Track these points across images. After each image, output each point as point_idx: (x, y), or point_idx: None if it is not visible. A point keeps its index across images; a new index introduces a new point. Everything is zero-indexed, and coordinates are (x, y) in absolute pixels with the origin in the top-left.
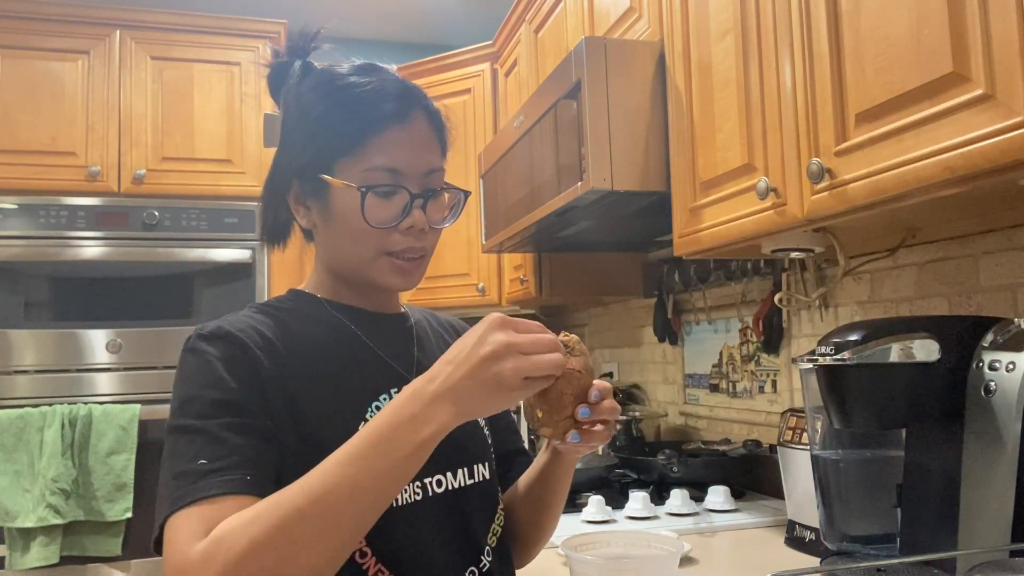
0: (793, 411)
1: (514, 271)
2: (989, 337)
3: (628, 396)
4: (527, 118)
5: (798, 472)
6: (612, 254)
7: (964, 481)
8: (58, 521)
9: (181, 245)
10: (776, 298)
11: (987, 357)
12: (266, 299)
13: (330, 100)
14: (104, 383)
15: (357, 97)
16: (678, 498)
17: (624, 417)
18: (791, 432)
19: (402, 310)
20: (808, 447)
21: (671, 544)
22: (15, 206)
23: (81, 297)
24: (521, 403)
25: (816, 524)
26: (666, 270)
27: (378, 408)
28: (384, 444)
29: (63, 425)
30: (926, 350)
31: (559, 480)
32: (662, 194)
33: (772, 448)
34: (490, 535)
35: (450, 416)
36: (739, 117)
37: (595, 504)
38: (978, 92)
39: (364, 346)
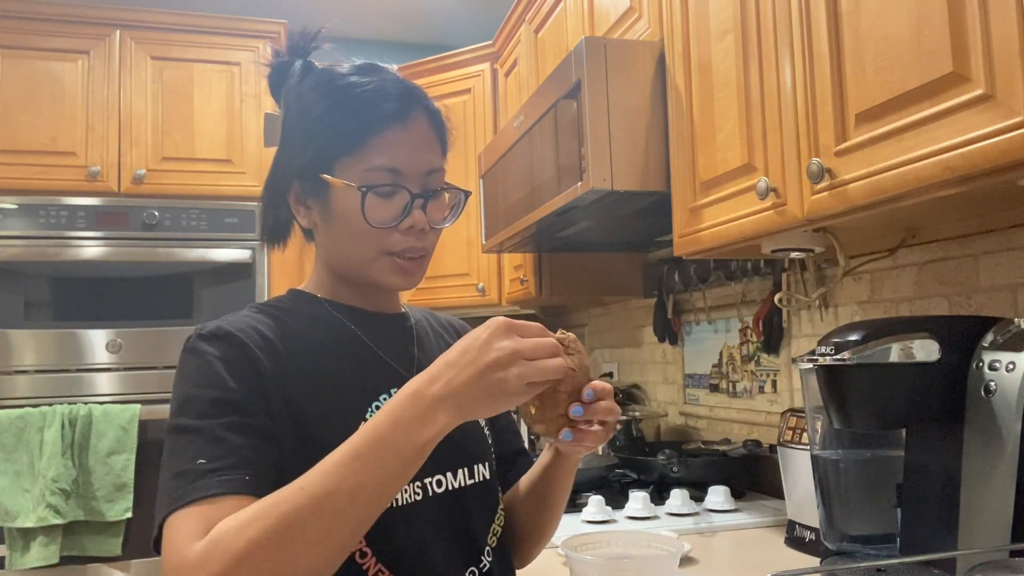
0: (793, 411)
1: (514, 271)
2: (989, 337)
3: (628, 396)
4: (527, 118)
5: (798, 472)
6: (612, 254)
7: (964, 481)
8: (58, 521)
9: (181, 245)
10: (776, 298)
11: (987, 357)
12: (266, 299)
13: (331, 100)
14: (104, 383)
15: (358, 97)
16: (678, 498)
17: (624, 417)
18: (791, 432)
19: (402, 310)
20: (808, 447)
21: (671, 544)
22: (15, 206)
23: (81, 297)
24: None
25: (816, 524)
26: (666, 270)
27: (378, 408)
28: (384, 445)
29: (63, 425)
30: (926, 350)
31: (560, 480)
32: (662, 194)
33: (772, 448)
34: (490, 535)
35: (451, 418)
36: (739, 117)
37: (595, 504)
38: (978, 92)
39: (364, 346)
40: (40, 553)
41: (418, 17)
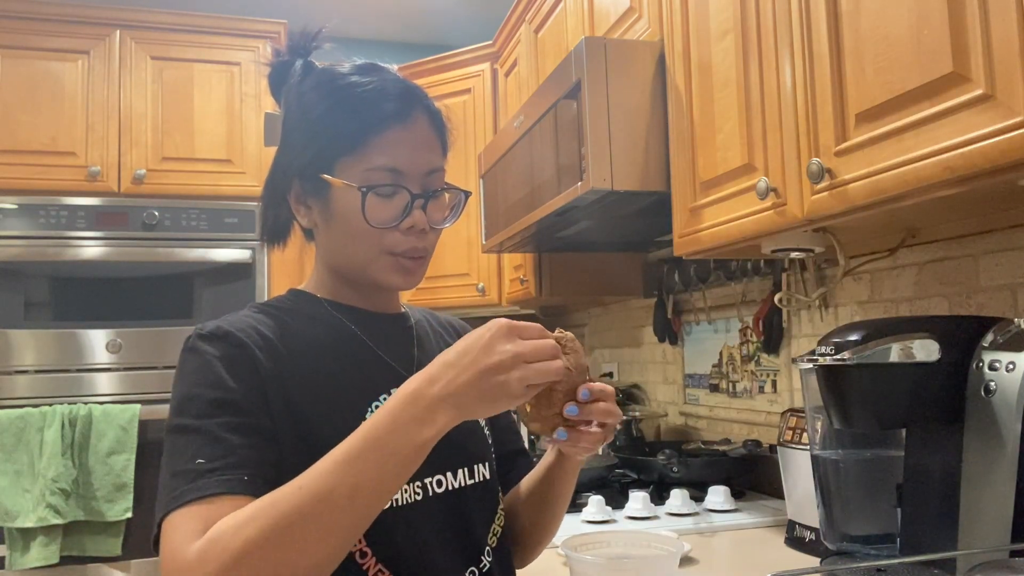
0: (793, 411)
1: (514, 271)
2: (989, 337)
3: (628, 396)
4: (527, 118)
5: (798, 472)
6: (612, 254)
7: (964, 481)
8: (58, 521)
9: (181, 245)
10: (776, 298)
11: (987, 357)
12: (266, 299)
13: (331, 99)
14: (104, 383)
15: (358, 97)
16: (678, 498)
17: (624, 417)
18: (791, 432)
19: (402, 310)
20: (808, 447)
21: (671, 544)
22: (15, 206)
23: (81, 297)
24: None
25: (816, 524)
26: (666, 270)
27: (377, 408)
28: (383, 445)
29: (63, 425)
30: (926, 350)
31: (563, 481)
32: (662, 194)
33: (772, 448)
34: (490, 535)
35: (450, 419)
36: (739, 117)
37: (595, 504)
38: (978, 92)
39: (364, 346)
40: (40, 553)
41: (418, 17)
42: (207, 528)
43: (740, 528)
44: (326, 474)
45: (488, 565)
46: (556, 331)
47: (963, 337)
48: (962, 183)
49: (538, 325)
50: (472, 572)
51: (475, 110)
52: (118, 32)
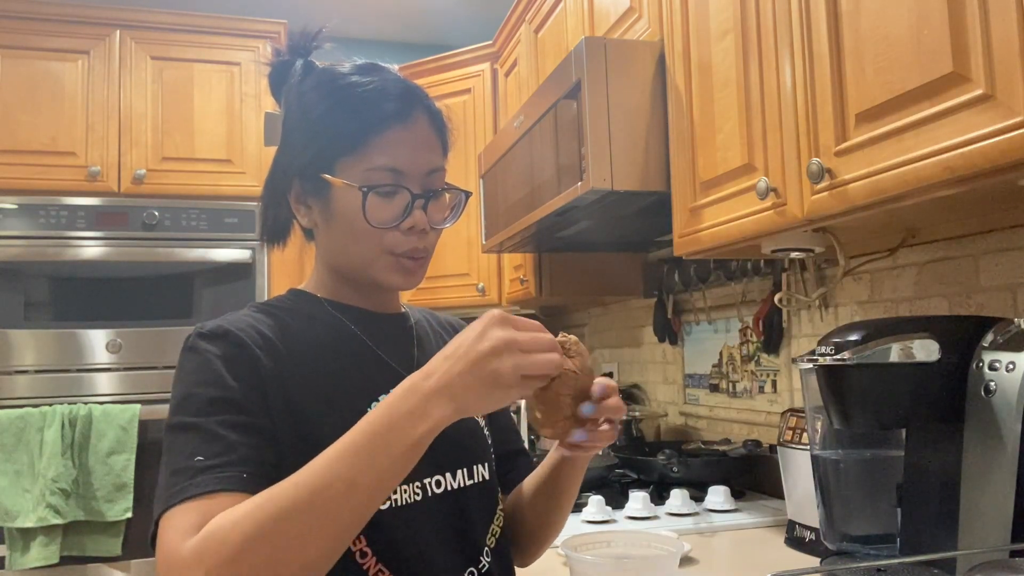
0: (793, 411)
1: (514, 271)
2: (989, 337)
3: (628, 396)
4: (527, 118)
5: (798, 472)
6: (612, 254)
7: (964, 481)
8: (58, 521)
9: (181, 245)
10: (776, 298)
11: (987, 357)
12: (266, 299)
13: (332, 99)
14: (104, 383)
15: (359, 96)
16: (678, 498)
17: (624, 417)
18: (791, 432)
19: (402, 310)
20: (808, 447)
21: (671, 544)
22: (15, 206)
23: (81, 297)
24: (523, 405)
25: (816, 524)
26: (666, 270)
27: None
28: (380, 440)
29: (63, 425)
30: (926, 350)
31: (572, 480)
32: (662, 194)
33: (772, 448)
34: (489, 536)
35: (447, 412)
36: (739, 117)
37: (595, 504)
38: (978, 92)
39: (364, 346)
40: (40, 553)
41: (418, 17)
42: (204, 524)
43: (740, 528)
44: (323, 469)
45: (487, 565)
46: (559, 335)
47: (963, 337)
48: (962, 183)
49: (536, 322)
50: (471, 572)
51: (475, 110)
52: (118, 32)
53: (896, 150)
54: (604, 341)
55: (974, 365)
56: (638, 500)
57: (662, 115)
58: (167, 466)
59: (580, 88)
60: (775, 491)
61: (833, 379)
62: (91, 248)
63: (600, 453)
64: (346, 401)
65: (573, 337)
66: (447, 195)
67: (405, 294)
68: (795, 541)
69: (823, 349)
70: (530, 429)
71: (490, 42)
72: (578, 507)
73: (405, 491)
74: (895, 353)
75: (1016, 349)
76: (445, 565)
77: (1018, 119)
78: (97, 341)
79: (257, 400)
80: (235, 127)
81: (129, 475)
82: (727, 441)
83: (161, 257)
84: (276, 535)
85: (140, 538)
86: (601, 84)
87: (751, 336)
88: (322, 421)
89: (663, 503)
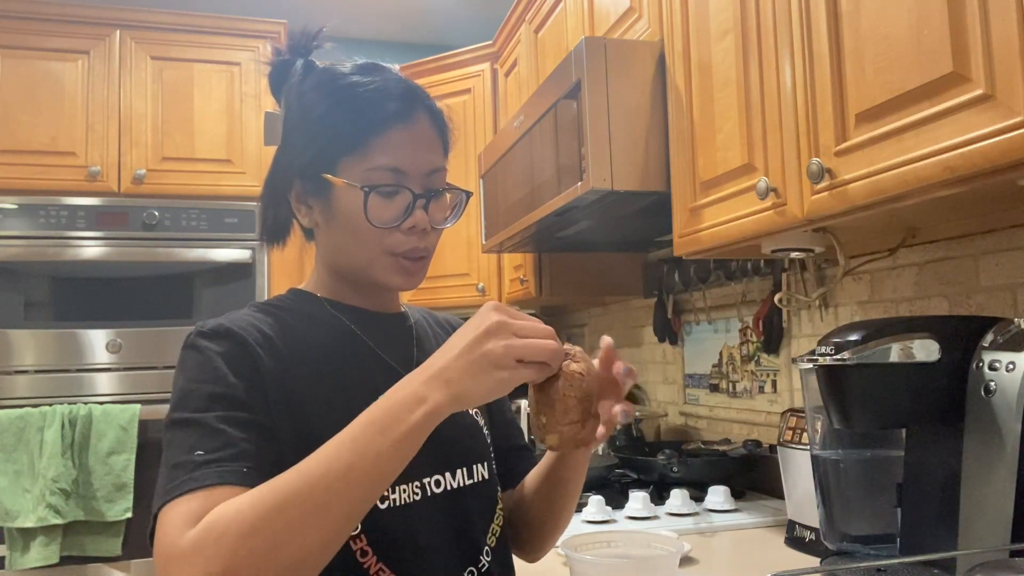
0: (793, 411)
1: (514, 271)
2: (989, 337)
3: (628, 396)
4: (527, 118)
5: (798, 472)
6: (612, 254)
7: (964, 481)
8: (58, 521)
9: (181, 245)
10: (776, 298)
11: (987, 357)
12: (266, 299)
13: (333, 99)
14: (104, 383)
15: (360, 96)
16: (678, 498)
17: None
18: (791, 432)
19: (402, 310)
20: (808, 447)
21: (671, 544)
22: (15, 206)
23: (81, 297)
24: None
25: (816, 524)
26: (666, 270)
27: None
28: (376, 427)
29: (63, 425)
30: (926, 350)
31: (574, 470)
32: (662, 194)
33: (772, 448)
34: (489, 535)
35: (443, 397)
36: (739, 117)
37: (595, 504)
38: (978, 92)
39: (364, 345)
40: (40, 553)
41: (418, 17)
42: (204, 517)
43: (740, 528)
44: (322, 457)
45: (487, 565)
46: (564, 344)
47: (963, 337)
48: (962, 183)
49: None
50: (471, 571)
51: (475, 110)
52: (118, 32)
53: (896, 150)
54: None
55: (974, 365)
56: (638, 500)
57: (662, 115)
58: (167, 461)
59: (580, 88)
60: (775, 491)
61: (833, 379)
62: (91, 248)
63: (599, 452)
64: (345, 400)
65: (579, 348)
66: (448, 195)
67: (405, 294)
68: (795, 541)
69: (823, 349)
70: (540, 441)
71: (490, 42)
72: (578, 507)
73: (404, 490)
74: (895, 353)
75: (1016, 349)
76: (445, 564)
77: (1018, 119)
78: (97, 341)
79: (258, 398)
80: (235, 127)
81: (129, 475)
82: (727, 441)
83: (161, 257)
84: (275, 524)
85: (140, 538)
86: (601, 84)
87: (751, 336)
88: (322, 420)
89: (663, 503)
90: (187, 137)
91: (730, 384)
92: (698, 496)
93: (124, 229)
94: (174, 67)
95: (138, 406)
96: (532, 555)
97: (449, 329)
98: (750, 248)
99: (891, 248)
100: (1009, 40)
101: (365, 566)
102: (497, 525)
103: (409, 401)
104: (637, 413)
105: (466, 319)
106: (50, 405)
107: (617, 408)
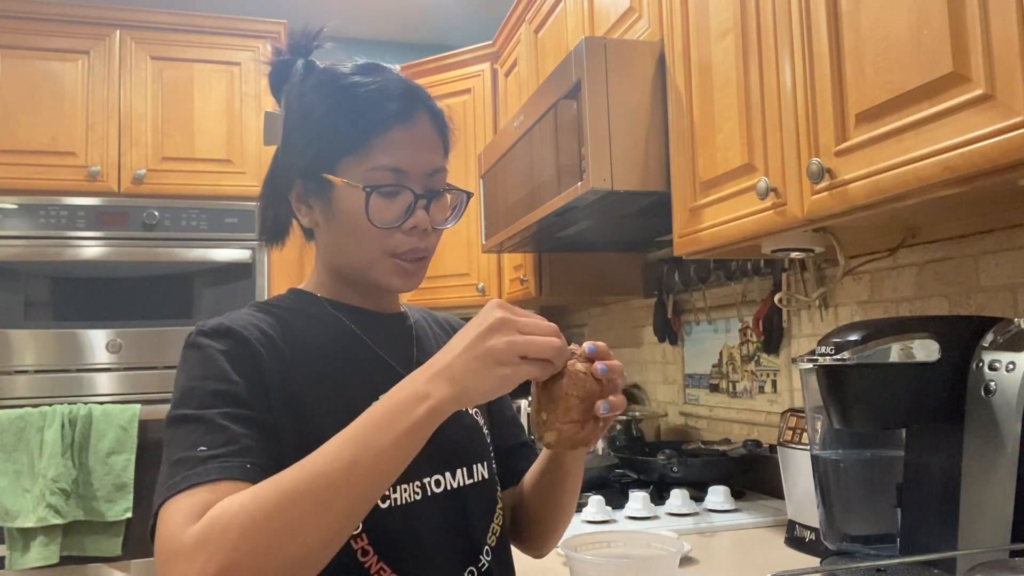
0: (793, 411)
1: (514, 271)
2: (989, 337)
3: (628, 396)
4: (527, 118)
5: (798, 472)
6: (612, 254)
7: (964, 481)
8: (58, 521)
9: (181, 245)
10: (776, 298)
11: (987, 357)
12: (266, 298)
13: (333, 99)
14: (104, 383)
15: (361, 96)
16: (678, 498)
17: (624, 417)
18: (791, 432)
19: (402, 310)
20: (808, 447)
21: (671, 544)
22: (15, 206)
23: (81, 297)
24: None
25: (816, 524)
26: (666, 270)
27: None
28: (381, 422)
29: (63, 425)
30: (926, 350)
31: (569, 472)
32: (662, 194)
33: (772, 448)
34: (489, 535)
35: (447, 394)
36: (739, 117)
37: (595, 504)
38: (978, 92)
39: (364, 345)
40: (40, 553)
41: (418, 17)
42: (207, 512)
43: (740, 528)
44: (326, 453)
45: (487, 564)
46: (570, 346)
47: (963, 337)
48: (962, 183)
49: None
50: (471, 571)
51: (475, 110)
52: (118, 32)
53: (896, 150)
54: (604, 341)
55: (974, 365)
56: (638, 500)
57: (662, 115)
58: (168, 457)
59: (580, 88)
60: (775, 491)
61: (833, 379)
62: (91, 248)
63: (599, 452)
64: (346, 400)
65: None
66: (448, 195)
67: (405, 294)
68: (795, 541)
69: (823, 349)
70: (539, 439)
71: (490, 42)
72: (578, 507)
73: (405, 490)
74: (895, 353)
75: (1016, 349)
76: (445, 564)
77: (1018, 119)
78: (97, 341)
79: (259, 396)
80: (235, 127)
81: (129, 475)
82: (727, 441)
83: (161, 257)
84: (278, 518)
85: (140, 538)
86: (601, 84)
87: (751, 336)
88: (322, 420)
89: (663, 503)
90: (187, 137)
91: (730, 384)
92: (698, 496)
93: (124, 229)
94: (174, 67)
95: (138, 406)
96: (536, 551)
97: (449, 329)
98: (750, 248)
99: (891, 248)
100: (1009, 40)
101: (366, 565)
102: (497, 524)
103: (412, 398)
104: (636, 413)
105: (466, 319)
106: (50, 405)
107: (599, 402)
